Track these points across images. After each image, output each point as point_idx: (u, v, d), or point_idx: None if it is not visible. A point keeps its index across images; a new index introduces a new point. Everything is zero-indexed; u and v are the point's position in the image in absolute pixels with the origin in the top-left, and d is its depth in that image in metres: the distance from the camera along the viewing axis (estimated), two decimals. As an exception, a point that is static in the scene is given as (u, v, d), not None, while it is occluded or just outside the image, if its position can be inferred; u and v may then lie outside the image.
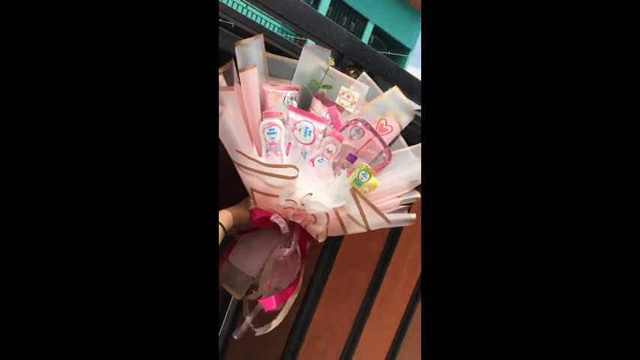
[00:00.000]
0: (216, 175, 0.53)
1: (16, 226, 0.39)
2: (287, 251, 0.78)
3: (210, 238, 0.50)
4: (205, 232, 0.48)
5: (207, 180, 0.48)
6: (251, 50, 0.78)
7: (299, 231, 0.81)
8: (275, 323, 0.85)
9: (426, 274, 0.44)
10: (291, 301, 0.83)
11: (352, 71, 0.99)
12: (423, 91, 0.48)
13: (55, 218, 0.41)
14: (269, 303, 0.80)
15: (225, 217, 0.75)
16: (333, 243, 1.14)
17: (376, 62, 1.03)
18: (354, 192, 0.76)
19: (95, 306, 0.42)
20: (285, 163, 0.77)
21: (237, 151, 0.72)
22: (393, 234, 1.30)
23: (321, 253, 1.13)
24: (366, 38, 9.97)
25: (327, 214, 0.74)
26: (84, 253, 0.42)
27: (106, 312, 0.42)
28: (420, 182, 0.94)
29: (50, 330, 0.40)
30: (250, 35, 0.79)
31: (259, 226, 0.78)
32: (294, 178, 0.71)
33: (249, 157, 0.71)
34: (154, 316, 0.44)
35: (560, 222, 0.38)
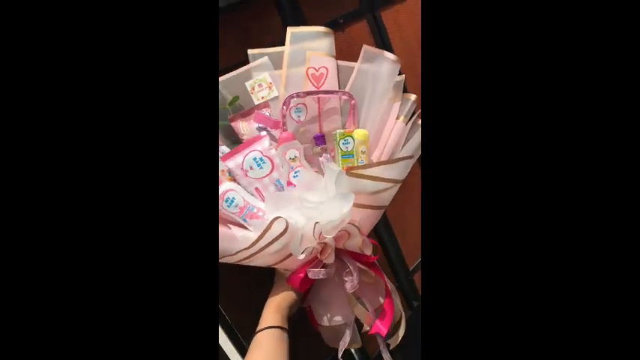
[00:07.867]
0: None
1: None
2: (355, 280, 0.64)
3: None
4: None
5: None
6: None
7: (346, 253, 0.66)
8: (401, 332, 0.74)
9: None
10: (398, 307, 0.70)
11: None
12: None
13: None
14: (380, 330, 0.68)
15: (278, 314, 0.62)
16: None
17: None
18: (352, 172, 0.59)
19: None
20: (265, 218, 0.62)
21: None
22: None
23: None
24: None
25: (350, 223, 0.58)
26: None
27: None
28: (401, 77, 0.73)
29: None
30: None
31: (306, 288, 0.64)
32: (285, 230, 0.55)
33: (228, 255, 0.57)
34: None
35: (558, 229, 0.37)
